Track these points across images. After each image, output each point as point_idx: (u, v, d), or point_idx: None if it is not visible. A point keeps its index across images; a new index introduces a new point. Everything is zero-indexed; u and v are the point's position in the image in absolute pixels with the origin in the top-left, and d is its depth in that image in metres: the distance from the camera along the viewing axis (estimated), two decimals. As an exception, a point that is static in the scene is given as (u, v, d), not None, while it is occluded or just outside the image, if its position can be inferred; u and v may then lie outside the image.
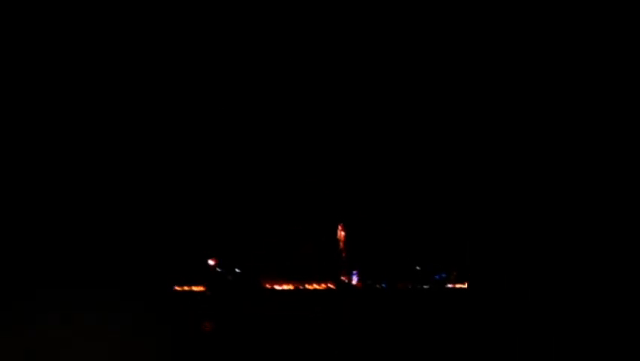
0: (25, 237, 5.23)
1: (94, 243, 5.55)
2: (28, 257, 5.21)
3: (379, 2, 5.91)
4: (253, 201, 6.84)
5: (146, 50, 5.68)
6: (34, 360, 4.91)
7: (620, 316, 5.45)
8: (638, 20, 5.35)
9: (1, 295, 5.04)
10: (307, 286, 7.16)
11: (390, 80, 6.34)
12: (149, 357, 5.37)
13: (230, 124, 6.50)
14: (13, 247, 5.16)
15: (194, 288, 6.99)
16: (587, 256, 5.60)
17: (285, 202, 6.89)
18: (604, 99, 5.58)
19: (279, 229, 6.93)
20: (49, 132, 5.38)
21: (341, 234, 7.10)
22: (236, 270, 7.14)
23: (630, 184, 5.53)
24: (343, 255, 7.11)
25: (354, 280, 7.22)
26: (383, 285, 7.26)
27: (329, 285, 7.17)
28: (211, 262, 7.05)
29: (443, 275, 7.18)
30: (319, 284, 7.17)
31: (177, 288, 6.84)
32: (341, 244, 7.10)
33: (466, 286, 6.71)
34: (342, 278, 7.18)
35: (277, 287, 7.16)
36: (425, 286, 7.22)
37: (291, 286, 7.16)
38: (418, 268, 7.24)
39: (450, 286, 7.13)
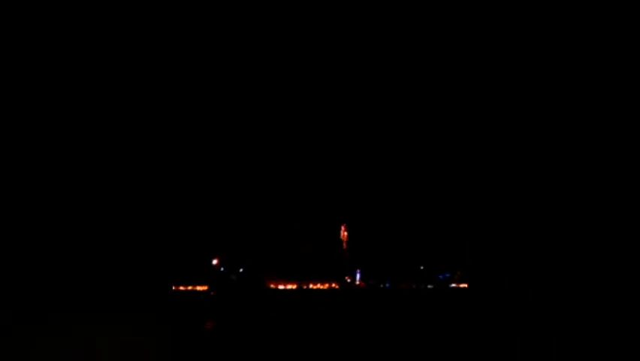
0: (26, 236, 5.25)
1: (97, 243, 5.56)
2: (30, 256, 5.23)
3: (379, 2, 5.91)
4: (257, 202, 6.85)
5: (149, 52, 5.70)
6: (34, 360, 4.92)
7: (620, 316, 5.42)
8: (638, 20, 5.32)
9: (1, 295, 5.06)
10: (311, 285, 7.17)
11: (391, 81, 6.34)
12: (152, 355, 5.38)
13: (234, 127, 6.51)
14: (12, 246, 5.18)
15: (198, 287, 7.01)
16: (587, 256, 5.57)
17: (289, 203, 6.89)
18: (604, 99, 5.55)
19: (282, 230, 6.94)
20: (49, 132, 5.41)
21: (344, 234, 7.10)
22: (240, 270, 7.15)
23: (630, 184, 5.50)
24: (347, 255, 7.11)
25: (358, 280, 7.22)
26: (387, 285, 7.25)
27: (332, 285, 7.18)
28: (214, 262, 7.07)
29: (447, 275, 7.18)
30: (323, 284, 7.18)
31: (181, 288, 6.87)
32: (344, 245, 7.10)
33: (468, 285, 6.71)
34: (346, 278, 7.19)
35: (281, 287, 7.17)
36: (429, 286, 7.21)
37: (294, 286, 7.17)
38: (421, 267, 7.24)
39: (454, 285, 7.12)
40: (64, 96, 5.45)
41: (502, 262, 5.92)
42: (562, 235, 5.69)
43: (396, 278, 7.22)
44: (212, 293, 7.04)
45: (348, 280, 7.20)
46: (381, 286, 7.24)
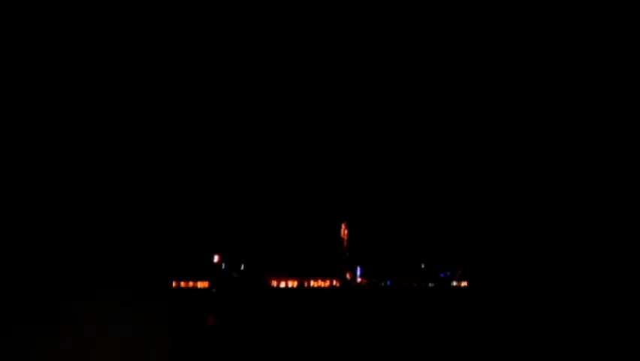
0: (25, 235, 5.26)
1: (96, 240, 5.57)
2: (28, 255, 5.23)
3: (380, 2, 5.89)
4: (257, 201, 6.85)
5: (147, 50, 5.69)
6: (33, 359, 4.94)
7: (620, 316, 5.42)
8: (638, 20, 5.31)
9: (1, 295, 5.07)
10: (312, 283, 7.17)
11: (391, 79, 6.32)
12: (152, 353, 5.39)
13: (235, 125, 6.51)
14: (12, 245, 5.19)
15: (199, 284, 7.02)
16: (587, 256, 5.57)
17: (289, 200, 6.90)
18: (604, 99, 5.54)
19: (283, 227, 6.94)
20: (49, 132, 5.41)
21: (345, 232, 7.10)
22: (242, 267, 7.16)
23: (630, 184, 5.49)
24: (347, 253, 7.11)
25: (359, 278, 7.22)
26: (387, 283, 7.25)
27: (334, 282, 7.18)
28: (216, 259, 7.07)
29: (448, 273, 7.17)
30: (324, 281, 7.18)
31: (182, 284, 6.88)
32: (345, 243, 7.10)
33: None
34: (347, 276, 7.19)
35: (282, 284, 7.18)
36: (430, 284, 7.21)
37: (295, 283, 7.17)
38: (422, 266, 7.23)
39: (455, 284, 7.12)
40: (64, 96, 5.45)
41: (503, 261, 5.92)
42: (562, 234, 5.69)
43: (397, 276, 7.22)
44: (213, 290, 7.04)
45: (349, 277, 7.20)
46: (382, 284, 7.24)
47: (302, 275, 7.11)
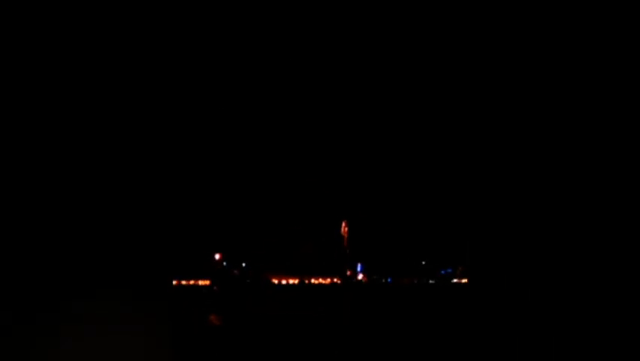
0: (25, 234, 5.27)
1: (97, 239, 5.58)
2: (28, 255, 5.24)
3: (380, 2, 5.88)
4: (257, 200, 6.86)
5: (147, 50, 5.69)
6: (33, 359, 4.95)
7: (620, 316, 5.42)
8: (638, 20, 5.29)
9: (1, 295, 5.08)
10: (313, 280, 7.19)
11: (390, 78, 6.32)
12: (152, 354, 5.40)
13: (235, 125, 6.52)
14: (12, 245, 5.20)
15: (200, 282, 7.04)
16: (588, 253, 5.57)
17: (289, 200, 6.90)
18: (604, 99, 5.52)
19: (283, 227, 6.95)
20: (49, 132, 5.42)
21: (345, 230, 7.10)
22: (243, 264, 7.18)
23: (630, 184, 5.48)
24: (348, 251, 7.12)
25: (360, 276, 7.23)
26: (388, 280, 7.26)
27: (335, 279, 7.20)
28: (217, 257, 7.09)
29: (449, 270, 7.18)
30: (325, 278, 7.19)
31: (183, 282, 6.90)
32: (345, 241, 7.11)
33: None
34: (348, 273, 7.20)
35: (283, 282, 7.19)
36: (431, 281, 7.22)
37: (296, 281, 7.19)
38: (423, 263, 7.24)
39: (455, 281, 7.12)
40: (65, 96, 5.46)
41: (503, 258, 5.92)
42: (562, 231, 5.68)
43: (398, 273, 7.23)
44: (214, 288, 7.06)
45: (350, 275, 7.22)
46: (383, 281, 7.25)
47: (302, 274, 7.12)
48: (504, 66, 5.77)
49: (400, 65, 6.24)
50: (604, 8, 5.37)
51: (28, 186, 5.37)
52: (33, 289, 5.17)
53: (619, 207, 5.53)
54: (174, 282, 6.74)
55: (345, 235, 7.08)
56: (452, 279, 7.13)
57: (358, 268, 7.22)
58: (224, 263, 7.13)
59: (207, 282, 7.04)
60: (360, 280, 7.22)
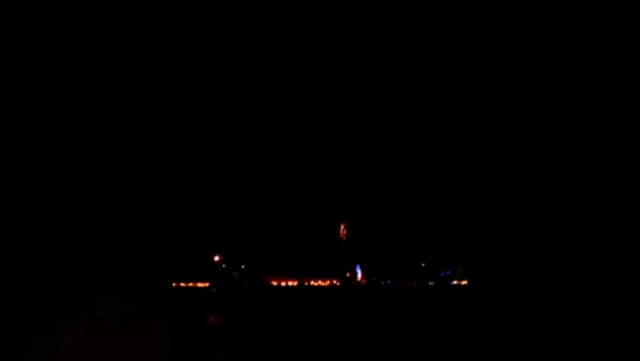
0: (25, 234, 5.26)
1: (96, 240, 5.58)
2: (28, 255, 5.24)
3: (380, 2, 5.90)
4: (257, 201, 6.85)
5: (147, 50, 5.70)
6: (33, 359, 4.95)
7: (620, 316, 5.42)
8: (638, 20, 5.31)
9: (1, 295, 5.08)
10: (312, 282, 7.18)
11: (390, 79, 6.33)
12: (152, 354, 5.40)
13: (235, 126, 6.52)
14: (12, 245, 5.20)
15: (199, 284, 7.02)
16: (587, 254, 5.57)
17: (289, 200, 6.90)
18: (604, 99, 5.54)
19: (283, 227, 6.94)
20: (49, 132, 5.42)
21: (344, 232, 7.10)
22: (242, 266, 7.16)
23: (630, 184, 5.49)
24: (347, 253, 7.11)
25: (359, 277, 7.22)
26: (388, 282, 7.25)
27: (334, 281, 7.19)
28: (216, 259, 7.07)
29: (448, 272, 7.17)
30: (324, 280, 7.18)
31: (182, 284, 6.89)
32: (345, 243, 7.10)
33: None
34: (347, 275, 7.19)
35: (283, 284, 7.18)
36: (430, 283, 7.21)
37: (295, 283, 7.18)
38: (423, 264, 7.23)
39: (455, 283, 7.11)
40: (65, 96, 5.46)
41: (503, 259, 5.92)
42: (562, 232, 5.69)
43: (398, 275, 7.22)
44: (213, 290, 7.05)
45: (349, 277, 7.21)
46: (383, 283, 7.24)
47: (302, 275, 7.11)
48: (503, 67, 5.78)
49: (399, 66, 6.25)
50: (604, 8, 5.39)
51: (28, 187, 5.37)
52: (33, 289, 5.17)
53: (618, 208, 5.54)
54: (173, 284, 6.73)
55: (344, 238, 7.08)
56: (452, 281, 7.12)
57: (358, 270, 7.21)
58: (224, 265, 7.11)
59: (207, 284, 7.03)
60: (360, 281, 7.21)
